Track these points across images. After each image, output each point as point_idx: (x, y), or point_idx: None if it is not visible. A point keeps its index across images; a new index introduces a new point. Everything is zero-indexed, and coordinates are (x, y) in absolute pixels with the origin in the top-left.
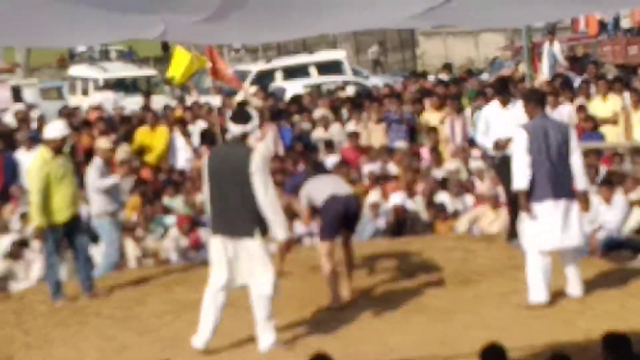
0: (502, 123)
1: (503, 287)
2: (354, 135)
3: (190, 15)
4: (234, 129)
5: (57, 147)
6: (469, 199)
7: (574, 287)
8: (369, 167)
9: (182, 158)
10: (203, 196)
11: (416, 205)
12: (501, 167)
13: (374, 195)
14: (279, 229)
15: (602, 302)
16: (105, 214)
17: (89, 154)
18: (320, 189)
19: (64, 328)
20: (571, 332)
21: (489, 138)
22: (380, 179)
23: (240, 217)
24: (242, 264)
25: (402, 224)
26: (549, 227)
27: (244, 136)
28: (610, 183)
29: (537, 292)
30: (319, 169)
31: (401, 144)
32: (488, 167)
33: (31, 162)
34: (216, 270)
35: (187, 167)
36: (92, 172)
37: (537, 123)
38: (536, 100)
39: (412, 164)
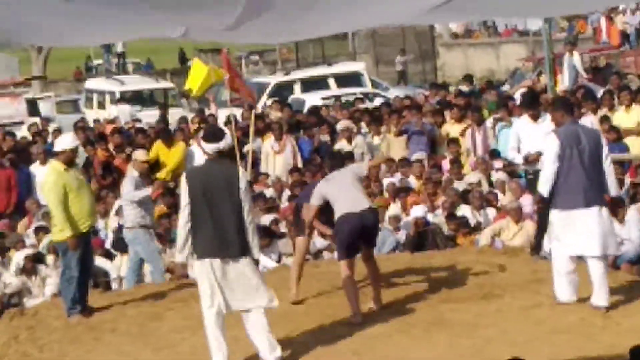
0: (533, 138)
1: (526, 301)
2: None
3: (214, 22)
4: (208, 148)
5: (68, 159)
6: (491, 211)
7: (599, 297)
8: (389, 180)
9: None
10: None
11: (437, 218)
12: (533, 182)
13: (394, 209)
14: (256, 248)
15: (626, 317)
16: (139, 226)
17: (106, 167)
18: (337, 198)
19: (79, 344)
20: (595, 347)
21: (520, 153)
22: (401, 192)
23: (234, 236)
24: (236, 285)
25: (423, 237)
26: (579, 234)
27: (220, 154)
28: (621, 201)
29: (564, 293)
30: (338, 163)
31: (421, 156)
32: (516, 181)
33: (45, 176)
34: (212, 297)
35: None
36: (127, 183)
37: (569, 129)
38: (564, 107)
39: (433, 176)
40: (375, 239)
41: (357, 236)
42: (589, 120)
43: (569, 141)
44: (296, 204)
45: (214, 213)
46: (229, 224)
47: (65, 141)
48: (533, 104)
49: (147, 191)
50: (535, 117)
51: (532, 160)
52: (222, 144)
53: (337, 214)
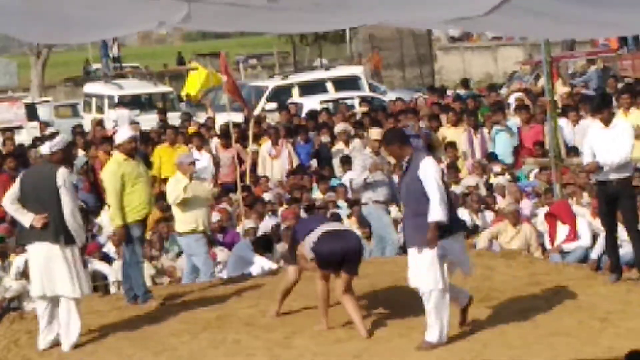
0: (606, 144)
1: (523, 304)
2: None
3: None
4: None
5: (126, 150)
6: (489, 214)
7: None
8: None
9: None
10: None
11: None
12: (596, 192)
13: (395, 212)
14: (78, 236)
15: (624, 320)
16: (372, 201)
17: None
18: (316, 229)
19: (79, 348)
20: (593, 350)
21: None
22: None
23: (54, 226)
24: (55, 271)
25: None
26: None
27: (43, 157)
28: None
29: None
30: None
31: None
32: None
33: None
34: (41, 284)
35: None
36: (359, 161)
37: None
38: (399, 138)
39: None
40: (357, 267)
41: (339, 256)
42: (587, 124)
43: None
44: (292, 235)
45: (38, 206)
46: (51, 216)
47: (122, 134)
48: (605, 106)
49: (366, 174)
50: (607, 122)
51: (589, 169)
52: (43, 149)
53: (318, 234)
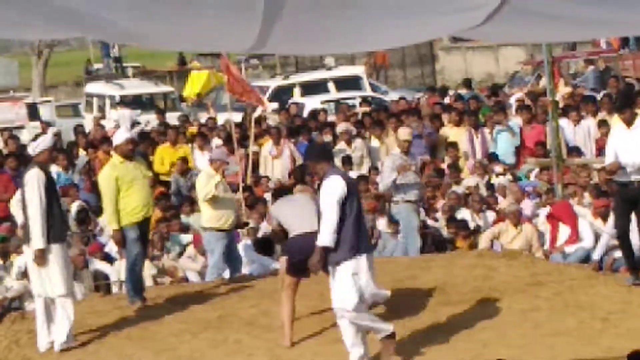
0: (628, 145)
1: (525, 304)
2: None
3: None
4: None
5: (124, 152)
6: (490, 215)
7: None
8: None
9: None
10: None
11: (437, 221)
12: (614, 195)
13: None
14: (35, 238)
15: (625, 320)
16: (403, 201)
17: None
18: (289, 217)
19: (80, 347)
20: (593, 350)
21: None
22: None
23: (27, 228)
24: (33, 271)
25: (422, 240)
26: None
27: (32, 158)
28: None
29: None
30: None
31: (426, 159)
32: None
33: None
34: (32, 279)
35: None
36: (389, 160)
37: (344, 175)
38: (325, 157)
39: (432, 180)
40: None
41: (308, 256)
42: (588, 124)
43: (350, 188)
44: None
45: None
46: (26, 217)
47: (119, 136)
48: (627, 104)
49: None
50: (629, 122)
51: (610, 170)
52: (29, 151)
53: (290, 235)
